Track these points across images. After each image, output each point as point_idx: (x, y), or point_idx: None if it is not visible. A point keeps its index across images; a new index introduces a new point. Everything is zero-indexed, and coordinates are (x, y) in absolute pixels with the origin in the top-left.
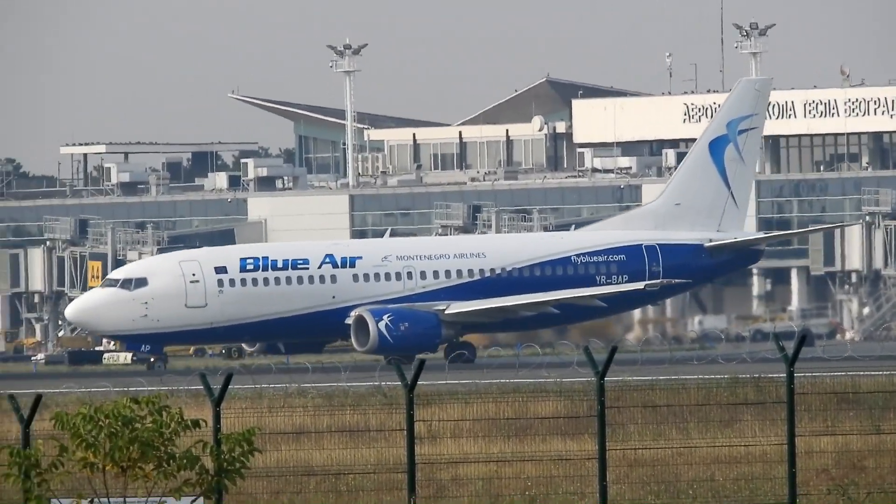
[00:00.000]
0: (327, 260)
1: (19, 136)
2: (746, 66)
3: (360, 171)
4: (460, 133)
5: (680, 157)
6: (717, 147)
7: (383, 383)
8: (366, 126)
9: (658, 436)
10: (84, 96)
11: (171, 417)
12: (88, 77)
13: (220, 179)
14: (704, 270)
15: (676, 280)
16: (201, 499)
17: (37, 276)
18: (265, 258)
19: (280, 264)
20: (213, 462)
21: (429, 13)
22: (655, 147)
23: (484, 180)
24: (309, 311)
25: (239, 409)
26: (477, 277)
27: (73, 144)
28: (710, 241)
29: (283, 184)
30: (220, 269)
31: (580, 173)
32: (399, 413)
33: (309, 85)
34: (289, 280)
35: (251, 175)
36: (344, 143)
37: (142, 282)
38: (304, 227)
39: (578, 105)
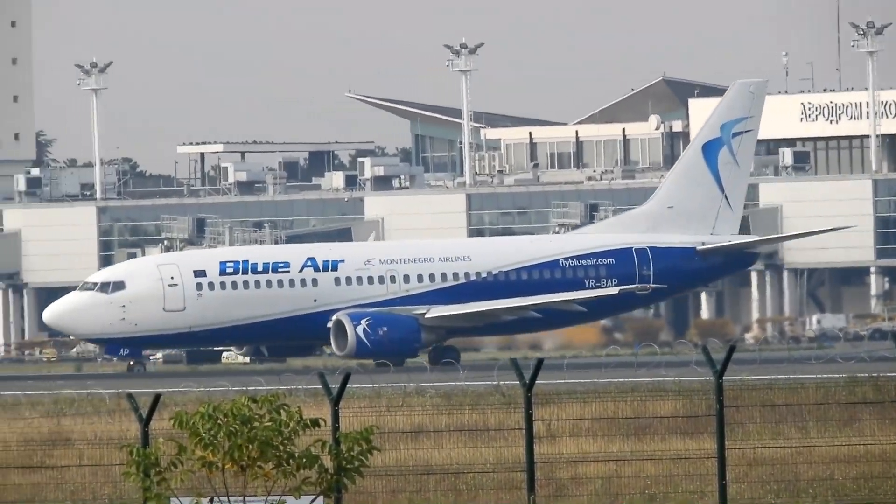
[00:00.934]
0: (309, 263)
1: (136, 136)
2: (863, 64)
3: (477, 169)
4: (577, 132)
5: (797, 156)
6: (710, 150)
7: (501, 382)
8: (482, 125)
9: (777, 434)
10: (200, 95)
11: (289, 416)
12: (205, 76)
13: (337, 179)
14: (696, 273)
15: (652, 286)
16: (321, 498)
17: None
18: (245, 261)
19: (260, 268)
20: (332, 461)
21: (545, 13)
22: (772, 146)
23: (601, 179)
24: (290, 314)
25: (357, 408)
26: (462, 281)
27: (190, 144)
28: (703, 244)
29: (400, 183)
30: (199, 273)
31: None
32: (518, 412)
33: (426, 84)
34: (269, 283)
35: (368, 174)
36: (460, 142)
37: (119, 285)
38: (420, 226)
39: (694, 104)
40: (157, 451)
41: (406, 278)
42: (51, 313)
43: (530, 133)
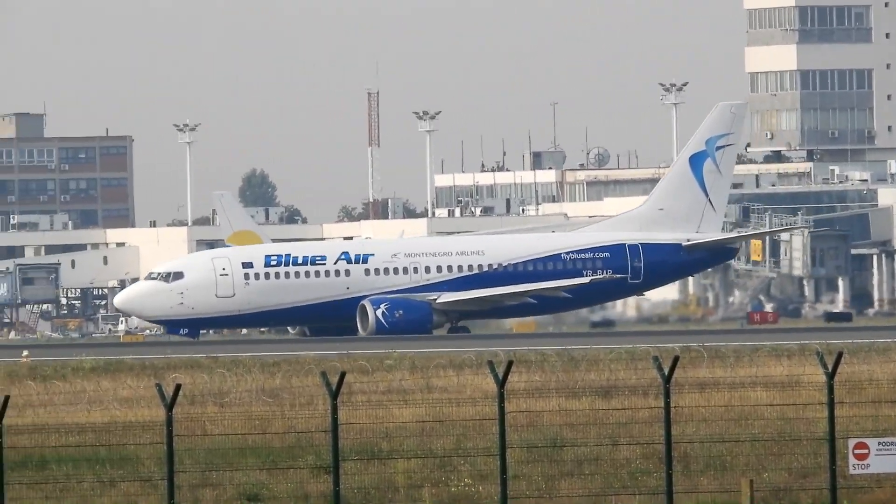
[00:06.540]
0: (342, 257)
1: None
2: None
3: None
4: None
5: None
6: (696, 161)
7: None
8: None
9: None
10: None
11: None
12: None
13: None
14: (682, 265)
15: (617, 276)
16: None
17: None
18: (287, 255)
19: (300, 260)
20: None
21: None
22: None
23: None
24: (325, 300)
25: None
26: (475, 272)
27: None
28: (688, 240)
29: None
30: (247, 265)
31: None
32: None
33: None
34: (307, 274)
35: None
36: None
37: (179, 275)
38: None
39: None
40: None
41: (427, 269)
42: (121, 299)
43: None
